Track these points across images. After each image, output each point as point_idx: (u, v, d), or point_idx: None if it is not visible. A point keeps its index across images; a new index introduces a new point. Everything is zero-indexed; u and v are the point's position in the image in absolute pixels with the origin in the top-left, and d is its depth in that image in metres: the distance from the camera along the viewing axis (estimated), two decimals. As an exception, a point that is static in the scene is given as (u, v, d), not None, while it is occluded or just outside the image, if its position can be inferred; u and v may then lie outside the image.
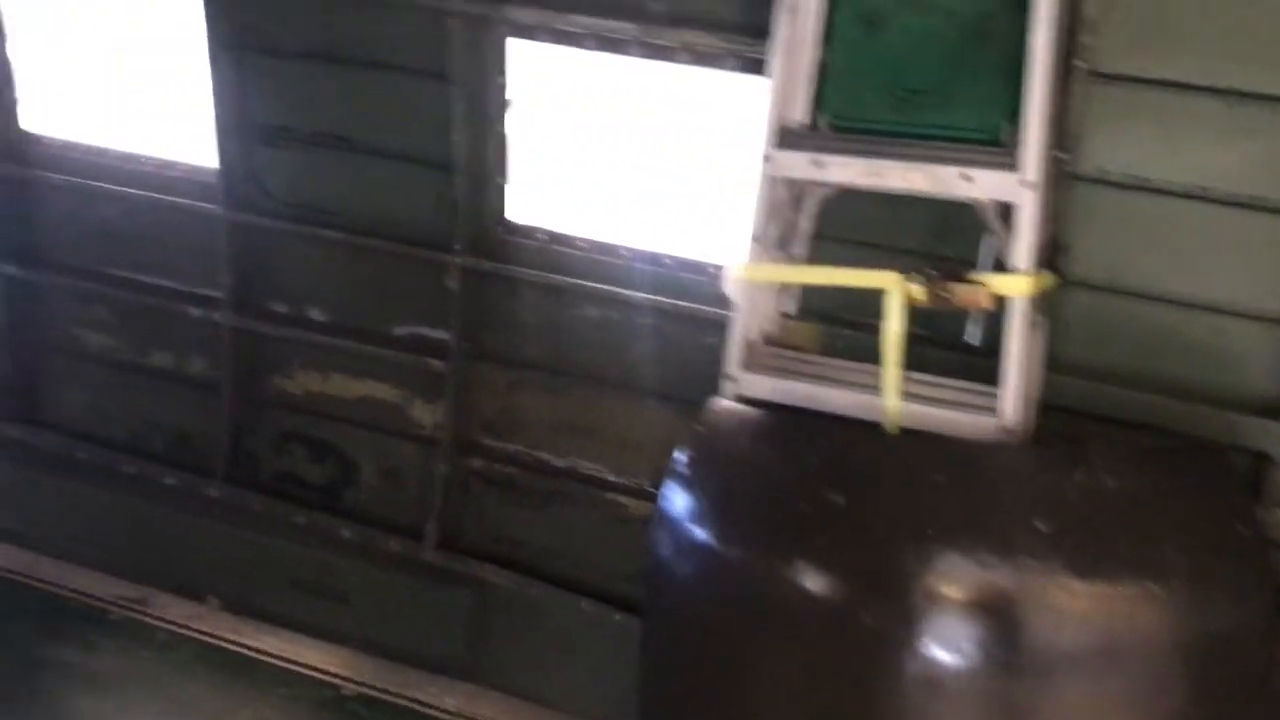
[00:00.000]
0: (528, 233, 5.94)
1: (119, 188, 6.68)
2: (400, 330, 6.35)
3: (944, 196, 4.36)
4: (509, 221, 5.96)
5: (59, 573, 6.77)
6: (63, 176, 6.80)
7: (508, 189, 5.90)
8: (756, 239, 4.69)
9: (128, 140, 6.73)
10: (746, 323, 4.77)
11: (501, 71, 5.65)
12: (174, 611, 6.49)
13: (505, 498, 6.29)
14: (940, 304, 4.24)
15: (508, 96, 5.72)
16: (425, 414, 6.42)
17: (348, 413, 6.60)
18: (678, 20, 5.17)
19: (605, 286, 5.75)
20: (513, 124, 5.77)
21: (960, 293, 4.21)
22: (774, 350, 4.82)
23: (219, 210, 6.39)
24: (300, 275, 6.51)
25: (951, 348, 4.79)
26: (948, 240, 4.82)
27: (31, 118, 6.89)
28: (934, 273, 4.24)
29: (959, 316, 4.59)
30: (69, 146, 6.86)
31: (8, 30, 6.71)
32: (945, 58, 4.38)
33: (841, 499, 4.08)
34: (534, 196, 5.95)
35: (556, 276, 5.83)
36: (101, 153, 6.78)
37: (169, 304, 6.78)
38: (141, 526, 6.89)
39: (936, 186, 4.30)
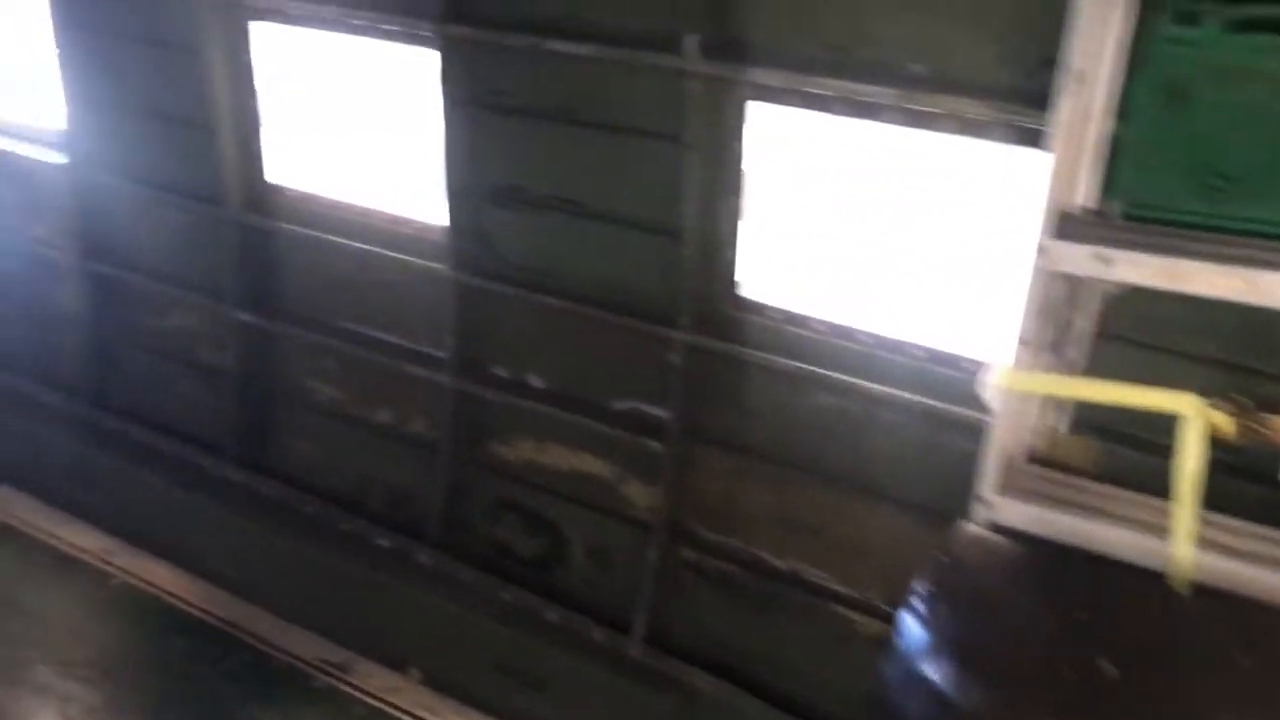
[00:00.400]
0: (760, 310, 5.45)
1: (352, 242, 6.62)
2: (619, 404, 5.98)
3: (1264, 306, 3.58)
4: (740, 297, 5.49)
5: (270, 627, 6.73)
6: (301, 229, 6.81)
7: (740, 262, 5.43)
8: (1023, 341, 4.02)
9: (364, 195, 6.67)
10: (1006, 436, 4.10)
11: (740, 137, 5.20)
12: (375, 682, 6.32)
13: (719, 596, 5.79)
14: (1252, 439, 3.47)
15: (745, 163, 5.26)
16: (640, 495, 6.01)
17: (562, 486, 6.29)
18: (942, 85, 4.57)
19: (843, 376, 5.18)
20: (749, 193, 5.30)
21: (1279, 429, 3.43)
22: (1038, 471, 4.13)
23: (446, 270, 6.21)
24: (523, 339, 6.25)
25: (1263, 482, 3.96)
26: (1263, 352, 4.00)
27: (276, 170, 6.95)
28: (1245, 400, 3.47)
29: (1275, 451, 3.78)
30: (308, 199, 6.87)
31: (261, 86, 6.78)
32: (1270, 138, 3.60)
33: (1113, 670, 3.36)
34: (769, 272, 5.45)
35: (789, 361, 5.30)
36: (338, 206, 6.75)
37: (394, 361, 6.66)
38: (353, 588, 6.77)
39: (1256, 295, 3.52)
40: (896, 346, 5.10)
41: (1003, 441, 4.08)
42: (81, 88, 7.39)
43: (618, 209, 5.67)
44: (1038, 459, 4.15)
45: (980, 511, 4.07)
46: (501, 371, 6.36)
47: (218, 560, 7.26)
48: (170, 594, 6.97)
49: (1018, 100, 4.41)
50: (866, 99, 4.76)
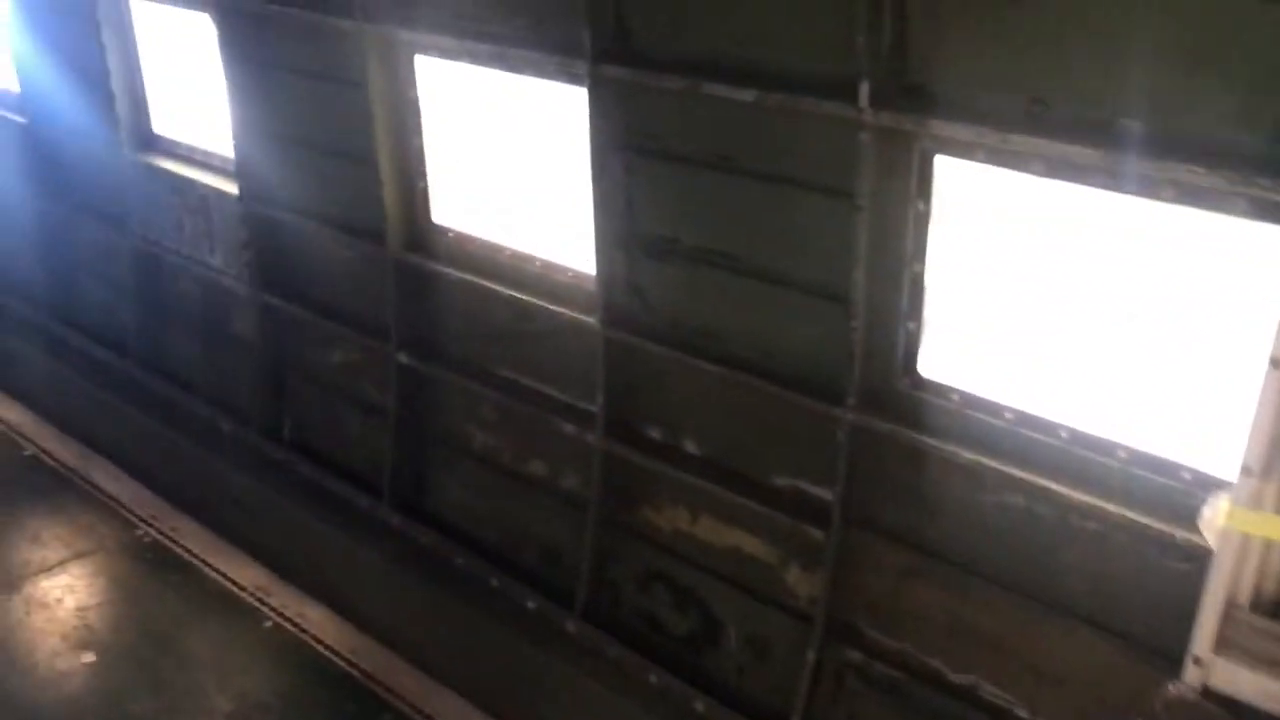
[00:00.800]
0: (939, 391, 4.76)
1: (507, 289, 6.26)
2: (779, 480, 5.40)
3: None
4: (918, 376, 4.81)
5: (415, 686, 6.48)
6: (459, 272, 6.50)
7: (920, 337, 4.76)
8: (1250, 471, 3.27)
9: (522, 239, 6.31)
10: (1227, 583, 3.37)
11: (923, 195, 4.52)
12: (514, 757, 5.97)
13: (886, 706, 5.15)
14: None
15: (928, 225, 4.58)
16: (801, 582, 5.42)
17: (715, 562, 5.76)
18: (1167, 148, 3.78)
19: (1032, 477, 4.44)
20: (933, 259, 4.62)
21: None
22: (1267, 626, 3.37)
23: (596, 324, 5.77)
24: (677, 401, 5.75)
25: None
26: None
27: (437, 209, 6.67)
28: None
29: None
30: (466, 240, 6.56)
31: (424, 124, 6.51)
32: None
33: None
34: (951, 348, 4.76)
35: (970, 454, 4.60)
36: (495, 250, 6.41)
37: (546, 414, 6.27)
38: (499, 650, 6.44)
39: None
40: (1100, 445, 4.33)
41: (1223, 589, 3.36)
42: (249, 119, 7.32)
43: (780, 268, 5.09)
44: (1269, 610, 3.39)
45: (1194, 673, 3.36)
46: (654, 433, 5.88)
47: (369, 606, 7.07)
48: (320, 640, 6.82)
49: (1263, 168, 3.59)
50: (1071, 161, 4.02)
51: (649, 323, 5.66)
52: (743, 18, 4.82)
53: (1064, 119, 4.00)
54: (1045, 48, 4.00)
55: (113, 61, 8.39)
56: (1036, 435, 4.48)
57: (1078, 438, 4.37)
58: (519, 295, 6.22)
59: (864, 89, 4.40)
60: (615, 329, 5.72)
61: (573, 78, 5.44)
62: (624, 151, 5.40)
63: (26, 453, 8.84)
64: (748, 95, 4.77)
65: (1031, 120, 4.06)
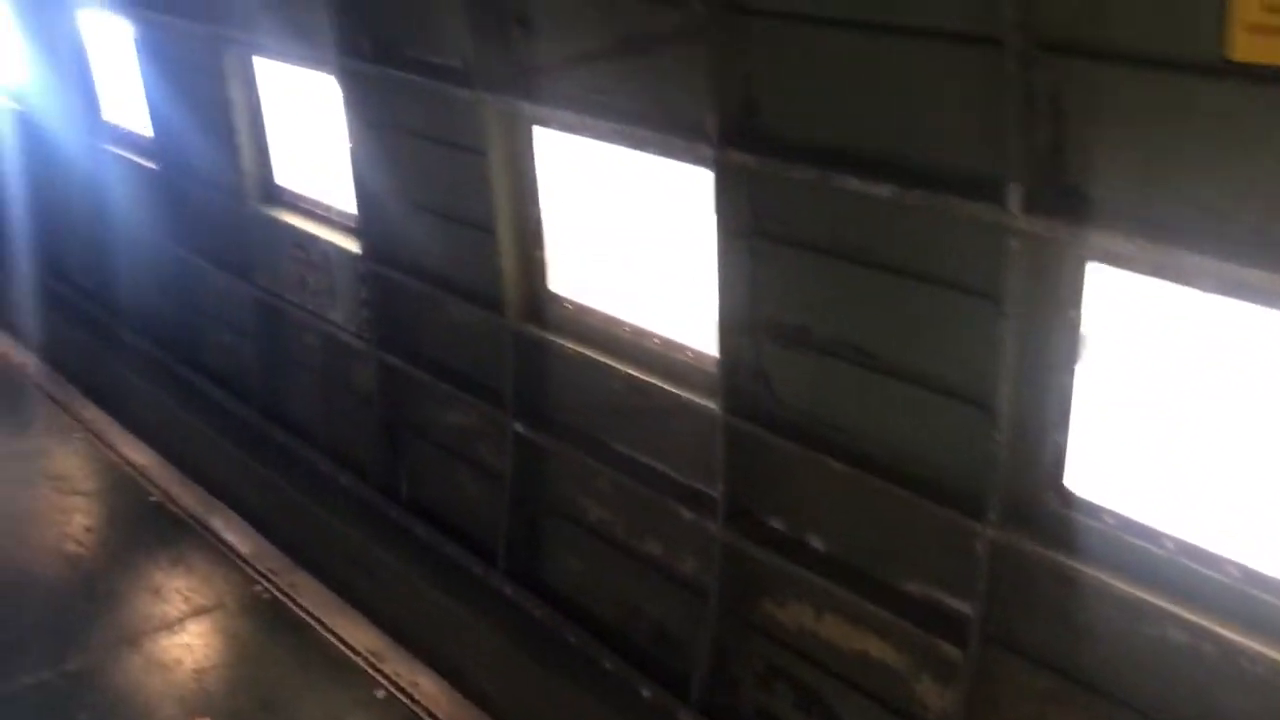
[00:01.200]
0: (1091, 511, 4.40)
1: (625, 365, 6.08)
2: (912, 587, 5.10)
3: None
4: (1067, 492, 4.46)
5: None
6: (576, 345, 6.33)
7: (1067, 451, 4.40)
8: None
9: (641, 314, 6.11)
10: None
11: (1076, 305, 4.18)
12: None
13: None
14: None
15: (1081, 336, 4.23)
16: (933, 696, 5.11)
17: (842, 666, 5.48)
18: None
19: (1195, 617, 4.06)
20: (1083, 371, 4.26)
21: None
22: None
23: (717, 410, 5.53)
24: (802, 495, 5.49)
25: None
26: None
27: (555, 279, 6.52)
28: None
29: None
30: (585, 312, 6.40)
31: (542, 194, 6.36)
32: None
33: None
34: (1105, 466, 4.39)
35: (1125, 586, 4.23)
36: (613, 323, 6.23)
37: (664, 494, 6.06)
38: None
39: None
40: (1275, 586, 3.93)
41: None
42: (371, 179, 7.28)
43: (919, 367, 4.78)
44: None
45: None
46: (777, 524, 5.62)
47: (482, 679, 6.95)
48: (432, 715, 6.71)
49: None
50: (1245, 280, 3.64)
51: (774, 412, 5.41)
52: (883, 105, 4.53)
53: (1240, 234, 3.62)
54: (1217, 155, 3.64)
55: (238, 115, 8.47)
56: (1201, 569, 4.09)
57: (1251, 577, 3.98)
58: (637, 372, 6.02)
59: (1014, 192, 4.08)
60: (738, 416, 5.48)
61: (697, 159, 5.22)
62: (751, 236, 5.16)
63: (152, 499, 8.97)
64: (885, 191, 4.48)
65: (1201, 233, 3.70)
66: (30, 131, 11.36)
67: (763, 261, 5.19)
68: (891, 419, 4.96)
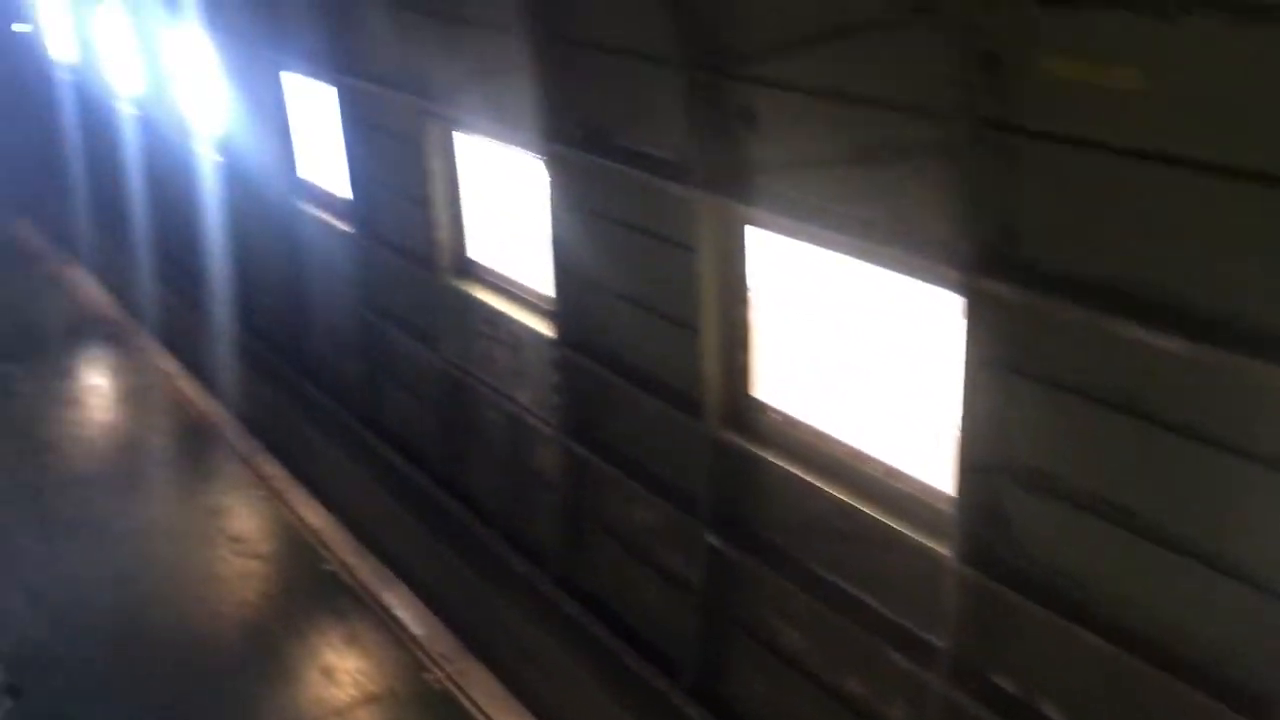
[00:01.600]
0: None
1: (837, 488, 5.60)
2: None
3: None
4: None
5: None
6: (785, 461, 5.90)
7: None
8: None
9: (856, 433, 5.62)
10: None
11: None
12: None
13: None
14: None
15: None
16: None
17: None
18: None
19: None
20: None
21: None
22: None
23: (949, 556, 5.00)
24: (1040, 658, 4.90)
25: None
26: None
27: (761, 387, 6.10)
28: None
29: None
30: (792, 424, 5.96)
31: (749, 292, 5.97)
32: None
33: None
34: None
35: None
36: (825, 439, 5.77)
37: (873, 632, 5.55)
38: None
39: None
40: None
41: None
42: (572, 265, 7.01)
43: (1193, 539, 4.17)
44: None
45: None
46: (1007, 685, 5.04)
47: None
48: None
49: None
50: None
51: (1013, 564, 4.85)
52: (1171, 241, 3.96)
53: None
54: None
55: (435, 186, 8.36)
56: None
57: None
58: (849, 498, 5.54)
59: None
60: (974, 567, 4.93)
61: (943, 282, 4.74)
62: (1004, 372, 4.63)
63: (326, 567, 8.87)
64: (1171, 344, 3.91)
65: None
66: (231, 184, 11.59)
67: (1015, 399, 4.65)
68: (1151, 589, 4.36)
